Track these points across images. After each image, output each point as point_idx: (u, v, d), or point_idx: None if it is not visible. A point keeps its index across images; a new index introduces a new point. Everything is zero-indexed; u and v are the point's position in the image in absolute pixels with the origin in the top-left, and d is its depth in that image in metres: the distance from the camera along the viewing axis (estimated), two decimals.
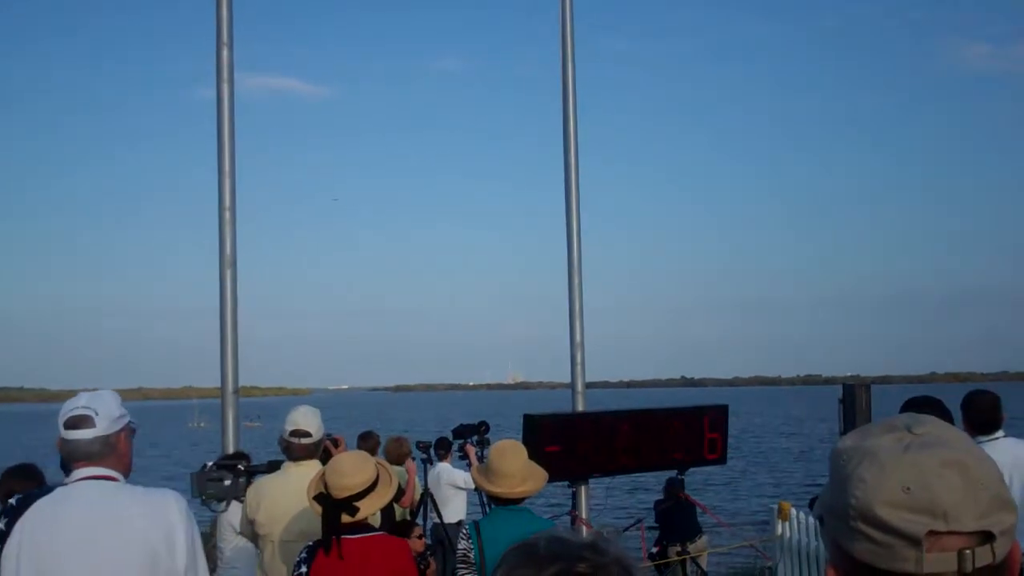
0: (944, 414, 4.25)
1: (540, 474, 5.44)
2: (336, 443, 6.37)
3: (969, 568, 1.28)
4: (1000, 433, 6.20)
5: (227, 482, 6.18)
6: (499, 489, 5.26)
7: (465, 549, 5.20)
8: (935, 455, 1.32)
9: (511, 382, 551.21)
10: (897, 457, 1.33)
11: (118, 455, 3.68)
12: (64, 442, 3.64)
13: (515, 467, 5.27)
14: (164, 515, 3.57)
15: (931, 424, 1.39)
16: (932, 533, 1.28)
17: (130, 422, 3.78)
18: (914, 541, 1.28)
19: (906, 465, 1.32)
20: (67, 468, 3.73)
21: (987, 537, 1.29)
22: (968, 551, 1.28)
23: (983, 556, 1.28)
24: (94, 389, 3.83)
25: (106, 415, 3.65)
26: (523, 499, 5.34)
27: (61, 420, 3.66)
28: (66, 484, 3.65)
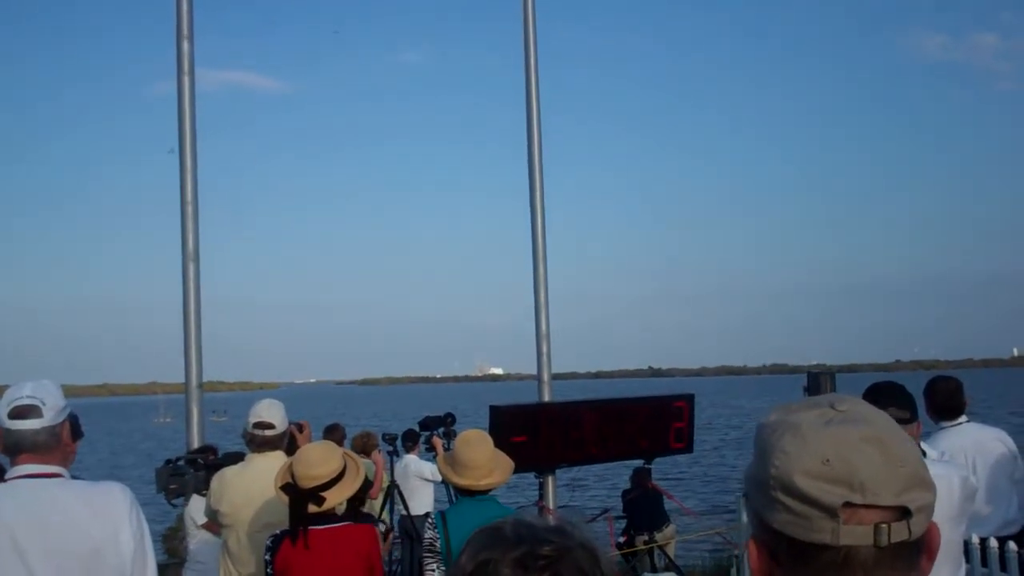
0: (907, 399, 4.29)
1: (507, 464, 5.34)
2: (301, 428, 6.34)
3: (884, 542, 1.30)
4: (963, 418, 6.29)
5: (187, 476, 6.16)
6: (465, 481, 5.18)
7: (431, 539, 5.14)
8: (856, 430, 1.35)
9: (479, 374, 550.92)
10: (818, 430, 1.36)
11: (63, 446, 3.56)
12: (7, 432, 3.47)
13: (481, 458, 5.19)
14: (109, 510, 3.47)
15: (854, 402, 1.42)
16: (849, 505, 1.30)
17: (71, 412, 3.65)
18: (831, 512, 1.30)
19: (827, 438, 1.34)
20: (10, 459, 3.57)
21: (904, 513, 1.31)
22: (884, 525, 1.30)
23: (899, 531, 1.31)
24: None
25: (52, 405, 3.52)
26: (489, 490, 5.26)
27: (4, 410, 3.48)
28: (6, 481, 3.52)
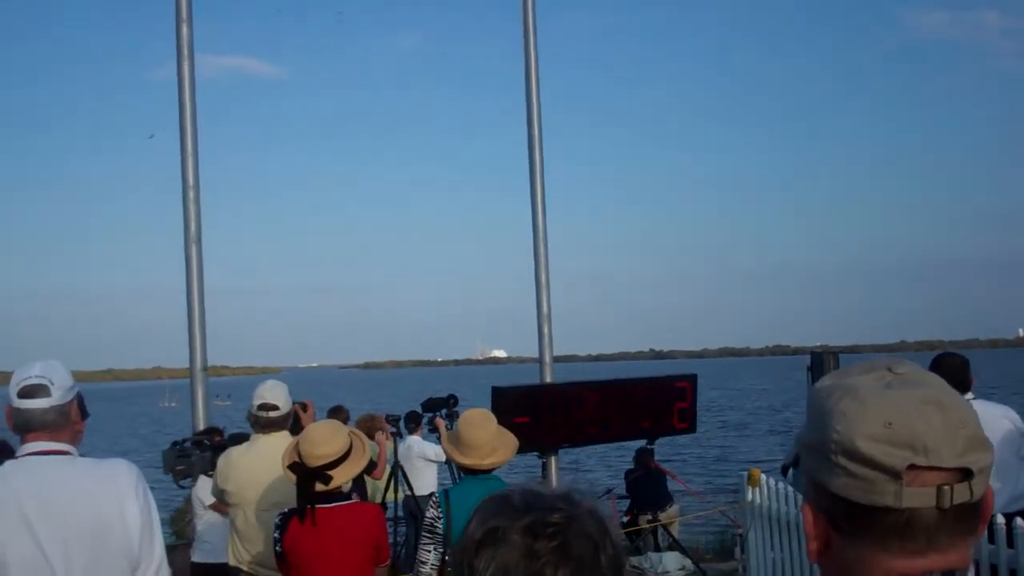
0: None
1: (511, 443, 5.33)
2: (305, 407, 6.37)
3: (947, 503, 1.29)
4: (970, 395, 6.28)
5: (194, 458, 6.19)
6: (469, 460, 5.18)
7: (433, 518, 5.14)
8: (916, 393, 1.34)
9: (480, 357, 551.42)
10: (879, 393, 1.35)
11: (71, 425, 3.60)
12: (17, 411, 3.51)
13: (484, 438, 5.18)
14: (115, 485, 3.49)
15: (911, 365, 1.41)
16: (912, 467, 1.29)
17: (79, 392, 3.68)
18: (894, 475, 1.29)
19: (887, 401, 1.33)
20: (20, 438, 3.60)
21: (966, 474, 1.30)
22: (947, 487, 1.29)
23: (961, 493, 1.30)
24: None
25: (61, 384, 3.55)
26: (493, 469, 5.24)
27: (13, 389, 3.51)
28: (16, 458, 3.55)
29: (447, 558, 5.03)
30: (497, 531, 1.55)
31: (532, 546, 1.53)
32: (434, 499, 5.28)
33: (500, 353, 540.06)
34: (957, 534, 1.33)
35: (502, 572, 1.53)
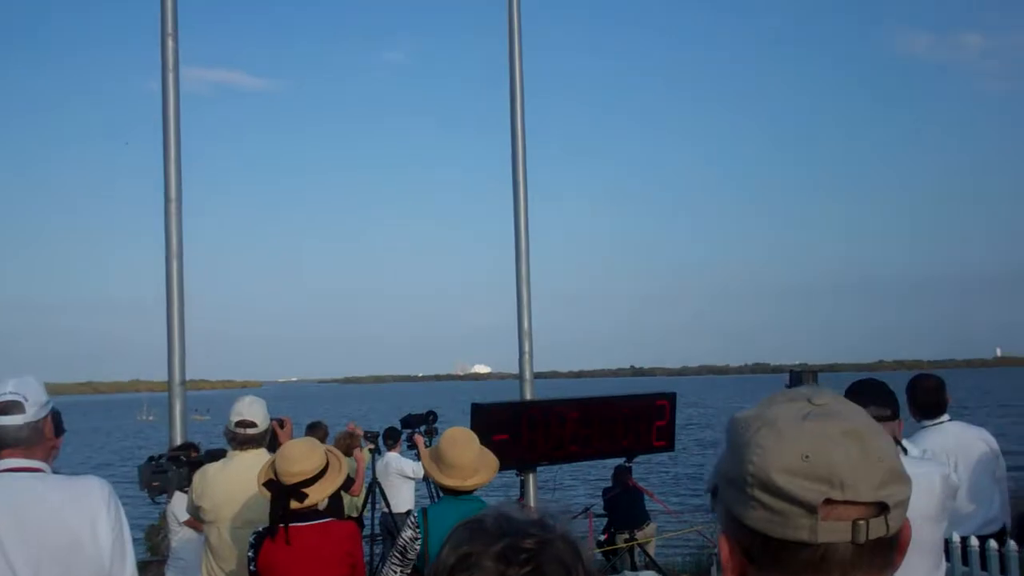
0: (888, 396, 4.32)
1: (492, 463, 5.26)
2: (282, 423, 6.34)
3: (863, 538, 1.28)
4: (945, 417, 6.31)
5: (170, 474, 6.14)
6: (451, 481, 5.10)
7: (410, 539, 5.05)
8: (834, 425, 1.32)
9: (460, 373, 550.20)
10: (797, 425, 1.33)
11: (45, 441, 3.57)
12: None
13: (467, 458, 5.11)
14: (87, 503, 3.46)
15: (831, 396, 1.39)
16: (828, 501, 1.28)
17: (53, 407, 3.65)
18: (810, 509, 1.28)
19: (805, 433, 1.31)
20: None
21: (882, 508, 1.29)
22: (862, 521, 1.28)
23: (877, 527, 1.29)
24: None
25: (35, 401, 3.52)
26: (474, 490, 5.17)
27: None
28: None
29: None
30: (470, 557, 1.55)
31: (504, 572, 1.54)
32: (412, 519, 5.18)
33: (484, 369, 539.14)
34: (872, 569, 1.32)
35: None
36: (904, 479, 1.33)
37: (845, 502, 1.28)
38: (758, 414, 1.39)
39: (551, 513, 1.68)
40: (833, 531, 1.28)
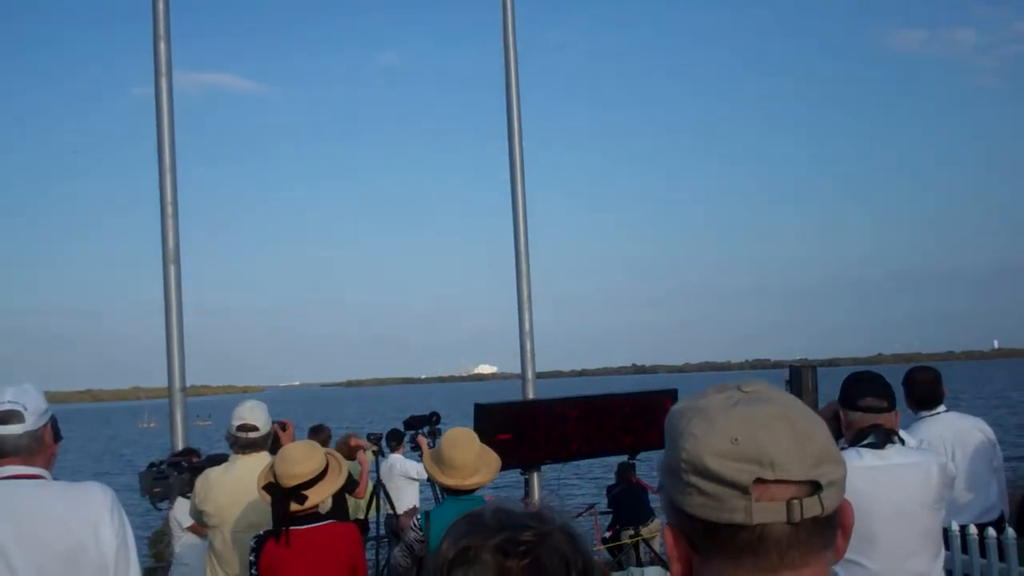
0: (885, 388, 4.33)
1: (494, 462, 5.24)
2: (284, 427, 6.33)
3: (797, 517, 1.29)
4: (942, 408, 6.35)
5: (171, 479, 6.14)
6: (451, 481, 5.08)
7: (414, 540, 5.08)
8: (762, 409, 1.35)
9: (463, 374, 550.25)
10: (726, 411, 1.36)
11: (45, 449, 3.56)
12: None
13: (467, 457, 5.09)
14: (89, 509, 3.45)
15: (760, 384, 1.42)
16: (760, 481, 1.29)
17: (52, 415, 3.64)
18: (743, 490, 1.30)
19: (734, 418, 1.34)
20: None
21: (815, 487, 1.30)
22: (796, 501, 1.29)
23: (811, 507, 1.30)
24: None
25: (35, 410, 3.51)
26: (475, 489, 5.15)
27: None
28: None
29: None
30: (469, 550, 1.57)
31: (503, 564, 1.55)
32: (415, 521, 5.20)
33: (489, 369, 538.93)
34: (811, 550, 1.33)
35: None
36: (837, 459, 1.35)
37: (777, 481, 1.30)
38: (690, 404, 1.43)
39: (550, 505, 1.71)
40: (768, 511, 1.30)
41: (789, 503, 1.30)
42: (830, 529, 1.35)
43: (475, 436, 5.32)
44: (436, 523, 5.04)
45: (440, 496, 5.73)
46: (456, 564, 1.57)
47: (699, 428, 1.36)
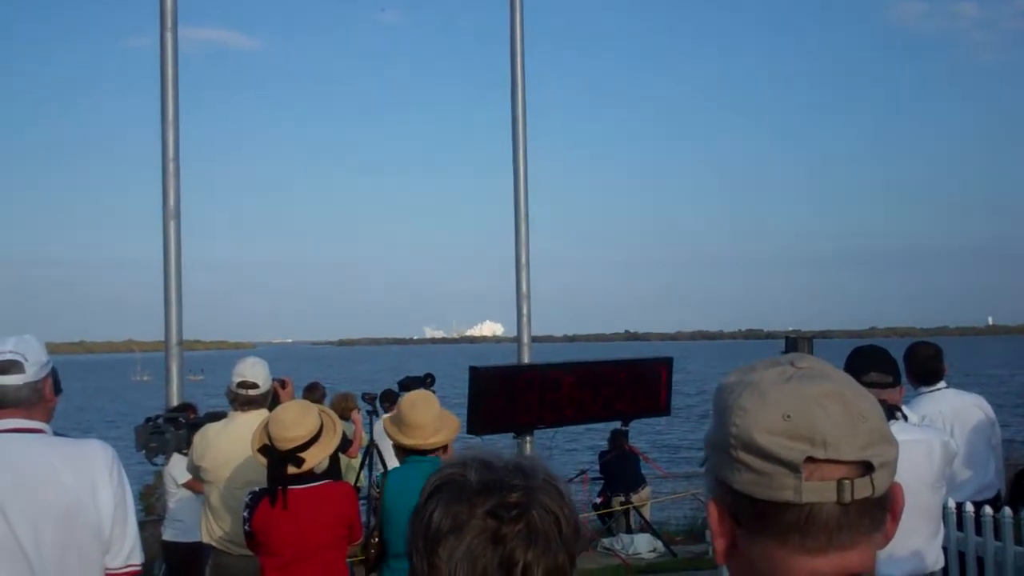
0: (890, 363, 4.32)
1: (453, 423, 5.28)
2: (283, 384, 6.31)
3: (848, 498, 1.27)
4: (942, 384, 6.35)
5: (168, 435, 6.11)
6: (411, 441, 5.11)
7: (375, 498, 5.14)
8: (816, 386, 1.31)
9: (456, 336, 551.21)
10: (779, 387, 1.32)
11: (45, 401, 3.51)
12: None
13: (426, 418, 5.12)
14: (89, 467, 3.41)
15: (814, 360, 1.38)
16: (811, 460, 1.26)
17: (53, 367, 3.60)
18: (793, 468, 1.27)
19: (787, 394, 1.31)
20: None
21: (867, 468, 1.28)
22: (847, 481, 1.27)
23: (862, 487, 1.27)
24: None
25: (35, 361, 3.46)
26: (435, 450, 5.17)
27: None
28: None
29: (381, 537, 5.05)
30: (460, 517, 1.55)
31: (498, 530, 1.54)
32: (375, 478, 5.23)
33: (497, 328, 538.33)
34: (859, 531, 1.30)
35: (470, 559, 1.53)
36: (890, 440, 1.32)
37: (828, 461, 1.27)
38: (740, 378, 1.39)
39: (528, 456, 1.69)
40: (818, 491, 1.27)
41: (840, 483, 1.27)
42: (880, 511, 1.32)
43: (435, 398, 5.37)
44: (393, 483, 5.13)
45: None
46: (447, 533, 1.55)
47: (750, 402, 1.32)
